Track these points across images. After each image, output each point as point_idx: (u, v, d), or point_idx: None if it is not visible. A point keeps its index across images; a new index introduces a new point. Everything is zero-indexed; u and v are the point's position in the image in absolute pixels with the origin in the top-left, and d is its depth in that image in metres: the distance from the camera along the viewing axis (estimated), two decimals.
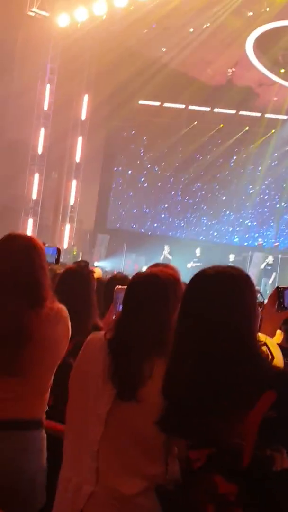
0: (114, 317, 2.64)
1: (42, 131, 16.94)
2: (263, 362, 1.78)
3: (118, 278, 4.01)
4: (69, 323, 2.61)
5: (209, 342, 1.74)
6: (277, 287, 2.14)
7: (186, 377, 1.77)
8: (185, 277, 2.01)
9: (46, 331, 2.48)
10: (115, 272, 15.24)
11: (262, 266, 17.76)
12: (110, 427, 2.05)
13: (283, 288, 2.12)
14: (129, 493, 1.99)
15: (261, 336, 1.92)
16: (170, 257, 18.45)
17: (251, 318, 1.80)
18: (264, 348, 1.83)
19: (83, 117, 17.94)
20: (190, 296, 1.85)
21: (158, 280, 2.13)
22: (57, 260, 3.53)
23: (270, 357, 1.82)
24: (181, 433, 1.83)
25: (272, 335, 2.20)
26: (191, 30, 14.80)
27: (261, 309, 2.16)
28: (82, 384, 2.17)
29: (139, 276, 2.18)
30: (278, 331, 2.91)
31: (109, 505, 2.01)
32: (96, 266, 18.56)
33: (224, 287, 1.79)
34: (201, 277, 1.85)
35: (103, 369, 2.08)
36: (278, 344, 2.61)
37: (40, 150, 16.94)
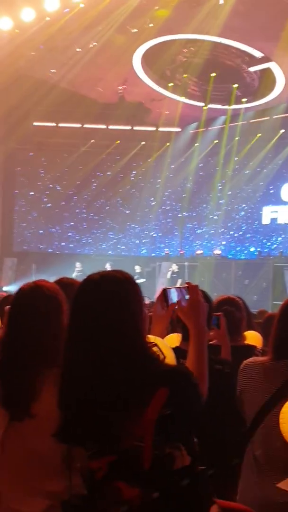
0: None
1: None
2: (154, 361, 1.80)
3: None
4: None
5: (98, 346, 1.74)
6: (163, 289, 2.19)
7: (78, 384, 1.76)
8: None
9: None
10: None
11: (168, 275, 18.22)
12: (8, 449, 2.03)
13: (168, 288, 2.18)
14: None
15: (151, 338, 1.95)
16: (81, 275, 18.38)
17: (137, 318, 1.81)
18: (155, 348, 1.85)
19: None
20: (78, 302, 1.85)
21: (38, 291, 2.14)
22: None
23: (162, 356, 1.84)
24: (79, 441, 1.81)
25: (162, 336, 2.24)
26: (78, 49, 14.93)
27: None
28: None
29: (17, 293, 2.16)
30: (175, 335, 2.96)
31: None
32: (5, 291, 18.14)
33: (109, 289, 1.80)
34: (87, 282, 1.86)
35: None
36: (176, 347, 2.66)
37: None
